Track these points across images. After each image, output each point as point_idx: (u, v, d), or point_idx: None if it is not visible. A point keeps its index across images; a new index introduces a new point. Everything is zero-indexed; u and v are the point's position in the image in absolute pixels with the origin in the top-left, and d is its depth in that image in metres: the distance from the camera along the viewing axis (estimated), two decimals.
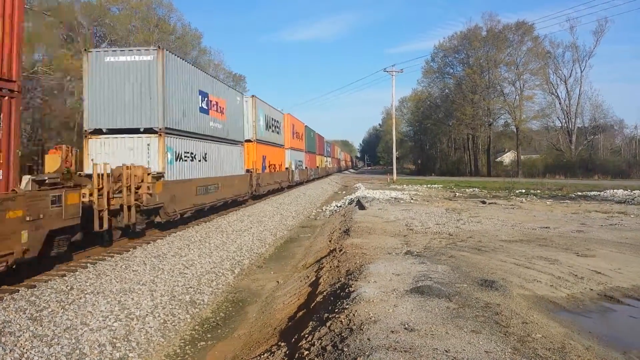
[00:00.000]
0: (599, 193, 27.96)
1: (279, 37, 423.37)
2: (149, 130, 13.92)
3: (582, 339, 5.10)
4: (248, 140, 24.53)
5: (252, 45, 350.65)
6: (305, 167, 44.35)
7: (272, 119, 30.09)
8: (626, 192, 27.59)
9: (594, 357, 4.59)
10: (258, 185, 24.89)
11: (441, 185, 39.21)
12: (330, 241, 13.50)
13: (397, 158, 58.33)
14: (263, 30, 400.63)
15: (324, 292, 7.44)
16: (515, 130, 66.76)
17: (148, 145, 13.85)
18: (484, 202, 22.68)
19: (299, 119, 43.33)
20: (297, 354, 5.12)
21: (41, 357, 5.83)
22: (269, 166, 28.16)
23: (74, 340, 6.33)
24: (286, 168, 33.96)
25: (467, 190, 33.07)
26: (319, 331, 5.38)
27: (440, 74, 77.95)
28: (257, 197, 25.86)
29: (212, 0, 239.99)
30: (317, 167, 56.07)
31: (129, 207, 11.91)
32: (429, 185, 39.33)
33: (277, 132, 31.53)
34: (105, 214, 11.14)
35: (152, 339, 6.92)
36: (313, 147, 52.97)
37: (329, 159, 77.33)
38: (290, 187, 35.60)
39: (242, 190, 22.61)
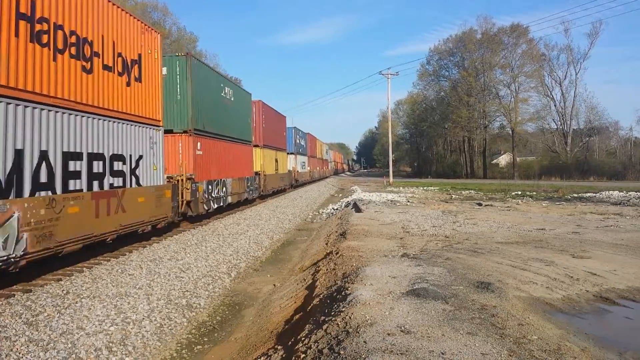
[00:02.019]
0: (594, 195, 28.07)
1: (275, 40, 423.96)
2: None
3: (578, 341, 5.12)
4: None
5: (248, 49, 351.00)
6: (216, 184, 19.20)
7: None
8: (622, 193, 27.69)
9: (590, 358, 4.61)
10: None
11: (437, 188, 39.28)
12: (326, 244, 13.50)
13: (393, 161, 58.38)
14: (259, 33, 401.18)
15: (321, 295, 7.44)
16: (510, 132, 67.01)
17: None
18: (480, 204, 22.73)
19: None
20: (293, 357, 5.12)
21: None
22: None
23: (70, 345, 6.31)
24: None
25: (463, 192, 33.14)
26: (316, 334, 5.38)
27: (436, 76, 78.38)
28: None
29: (207, 4, 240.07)
30: (259, 174, 27.79)
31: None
32: (425, 188, 39.40)
33: None
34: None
35: (148, 343, 6.90)
36: (248, 132, 25.77)
37: (304, 159, 50.16)
38: None
39: None
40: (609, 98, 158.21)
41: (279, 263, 13.25)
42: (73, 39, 9.92)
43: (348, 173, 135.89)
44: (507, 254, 9.73)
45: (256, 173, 27.27)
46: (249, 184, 24.87)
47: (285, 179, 36.76)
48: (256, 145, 28.11)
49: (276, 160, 33.54)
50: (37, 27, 8.81)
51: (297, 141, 46.41)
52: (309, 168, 53.35)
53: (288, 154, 40.56)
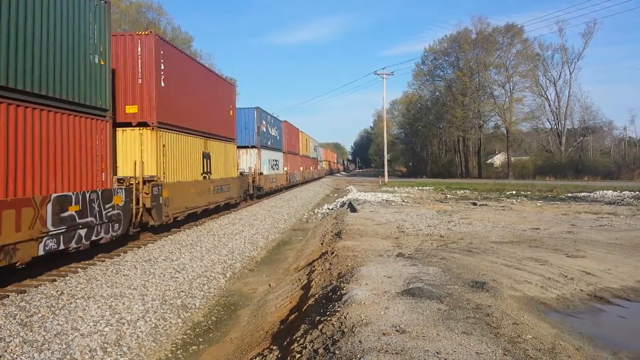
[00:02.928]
0: (588, 194, 28.18)
1: (271, 40, 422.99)
2: None
3: (572, 340, 5.14)
4: None
5: (243, 49, 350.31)
6: None
7: None
8: (615, 193, 27.82)
9: (584, 357, 4.63)
10: None
11: (432, 187, 39.34)
12: (322, 244, 13.49)
13: (388, 160, 58.38)
14: (254, 33, 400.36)
15: (316, 295, 7.44)
16: (505, 132, 67.16)
17: None
18: (474, 204, 22.79)
19: None
20: (289, 357, 5.12)
21: None
22: None
23: (64, 346, 6.28)
24: None
25: (458, 192, 33.21)
26: (311, 334, 5.38)
27: (431, 76, 78.40)
28: None
29: (202, 4, 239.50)
30: (133, 184, 12.74)
31: None
32: (420, 187, 39.46)
33: None
34: None
35: (143, 344, 6.88)
36: (85, 86, 10.39)
37: (278, 157, 36.71)
38: None
39: None
40: (603, 98, 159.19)
41: (274, 263, 13.24)
42: None
43: (343, 173, 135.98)
44: (502, 253, 9.76)
45: (121, 182, 12.84)
46: (71, 218, 9.83)
47: (229, 188, 21.98)
48: (142, 124, 14.26)
49: (206, 157, 19.21)
50: None
51: (263, 130, 31.36)
52: (285, 169, 39.30)
53: (246, 147, 28.52)
